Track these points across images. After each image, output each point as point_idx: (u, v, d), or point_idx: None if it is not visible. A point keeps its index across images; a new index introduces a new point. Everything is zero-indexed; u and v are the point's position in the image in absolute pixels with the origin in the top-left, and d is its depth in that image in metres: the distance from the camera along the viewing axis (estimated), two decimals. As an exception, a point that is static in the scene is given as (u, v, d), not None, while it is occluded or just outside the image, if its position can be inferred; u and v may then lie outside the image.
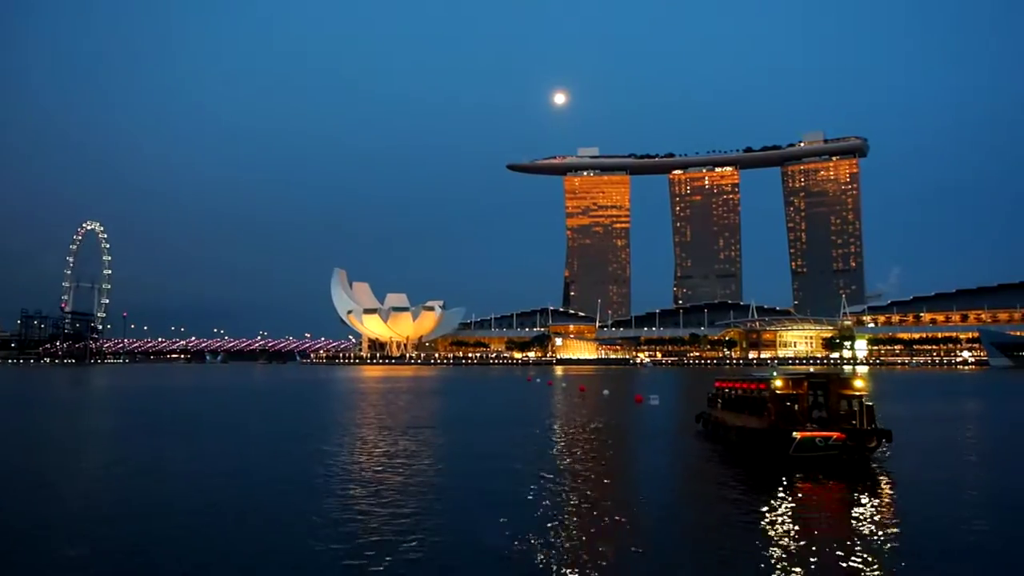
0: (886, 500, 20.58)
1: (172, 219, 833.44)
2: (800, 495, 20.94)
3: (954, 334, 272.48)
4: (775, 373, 28.55)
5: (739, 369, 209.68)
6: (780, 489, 21.49)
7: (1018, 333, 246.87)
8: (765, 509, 18.97)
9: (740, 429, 29.63)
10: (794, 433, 25.04)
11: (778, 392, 27.02)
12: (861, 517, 18.07)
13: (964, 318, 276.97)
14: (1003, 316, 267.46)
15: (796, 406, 26.99)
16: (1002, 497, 21.10)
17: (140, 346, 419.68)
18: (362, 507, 18.97)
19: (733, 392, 34.01)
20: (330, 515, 18.17)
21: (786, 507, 19.24)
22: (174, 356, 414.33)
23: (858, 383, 27.16)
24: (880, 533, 16.39)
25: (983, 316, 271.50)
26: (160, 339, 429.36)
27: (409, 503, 19.50)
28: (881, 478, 23.89)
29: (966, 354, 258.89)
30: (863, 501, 20.12)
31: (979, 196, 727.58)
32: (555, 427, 40.08)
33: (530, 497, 20.25)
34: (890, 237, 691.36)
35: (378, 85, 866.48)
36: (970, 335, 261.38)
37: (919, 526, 17.34)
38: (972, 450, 31.75)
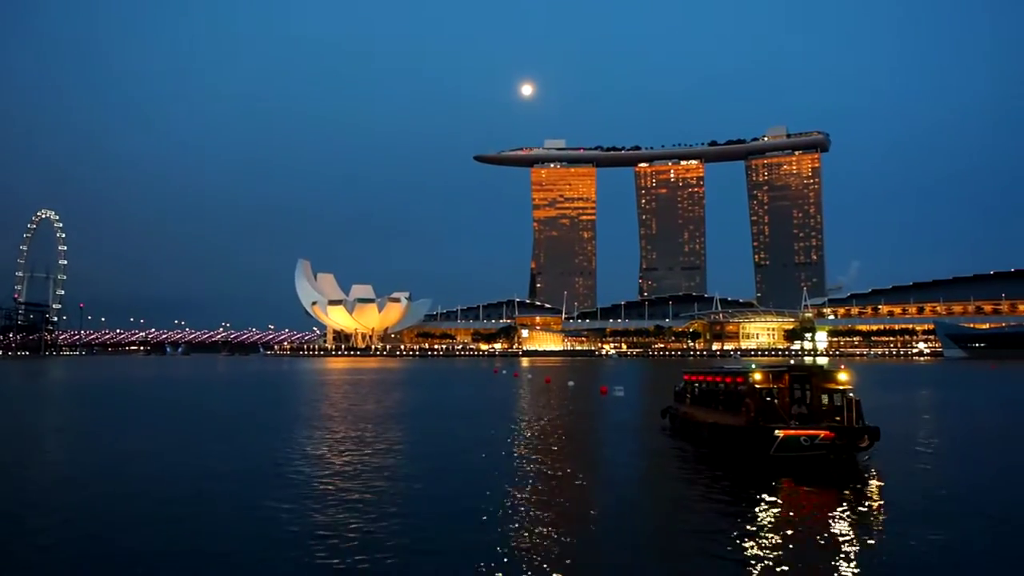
0: (882, 505, 18.56)
1: (130, 207, 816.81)
2: (784, 500, 18.89)
3: (910, 326, 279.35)
4: (753, 365, 26.49)
5: (703, 361, 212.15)
6: (761, 493, 19.46)
7: (971, 325, 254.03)
8: (744, 516, 17.10)
9: (714, 426, 27.13)
10: (776, 431, 22.82)
11: (757, 386, 24.88)
12: (855, 525, 16.27)
13: (920, 310, 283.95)
14: (957, 308, 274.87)
15: (777, 401, 24.78)
16: (996, 497, 19.92)
17: (97, 338, 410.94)
18: (323, 497, 18.67)
19: (704, 386, 31.54)
20: (293, 504, 17.93)
21: (768, 514, 17.37)
22: (133, 348, 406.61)
23: (842, 376, 24.96)
24: (879, 545, 14.82)
25: (938, 308, 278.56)
26: (118, 331, 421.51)
27: (369, 495, 19.12)
28: (871, 479, 21.79)
29: (922, 345, 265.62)
30: (856, 506, 18.25)
31: (935, 192, 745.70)
32: (520, 420, 39.86)
33: (488, 496, 19.40)
34: (850, 231, 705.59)
35: (344, 75, 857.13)
36: (926, 327, 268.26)
37: (922, 537, 15.42)
38: (955, 445, 30.79)
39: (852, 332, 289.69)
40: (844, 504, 18.47)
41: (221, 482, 21.65)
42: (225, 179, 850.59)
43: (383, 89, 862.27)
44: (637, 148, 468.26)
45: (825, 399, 24.99)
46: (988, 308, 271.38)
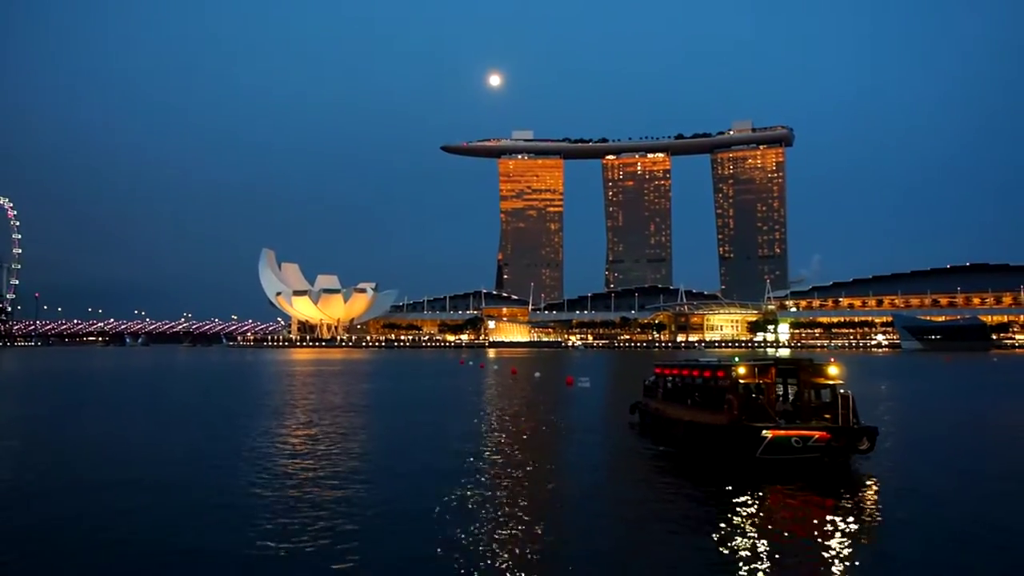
0: (888, 516, 16.50)
1: (89, 194, 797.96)
2: (774, 510, 16.90)
3: (870, 318, 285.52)
4: (737, 359, 24.21)
5: (668, 352, 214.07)
6: (747, 502, 17.49)
7: (928, 317, 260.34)
8: (727, 528, 15.18)
9: (690, 425, 24.78)
10: (764, 432, 20.58)
11: (741, 381, 22.63)
12: (856, 538, 14.45)
13: (879, 303, 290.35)
14: (915, 301, 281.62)
15: (763, 398, 22.68)
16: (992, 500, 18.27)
17: (54, 328, 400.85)
18: (284, 488, 18.30)
19: (679, 380, 28.98)
20: (255, 494, 17.55)
21: (755, 525, 15.44)
22: (91, 339, 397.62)
23: (832, 370, 22.63)
24: (886, 566, 13.10)
25: (896, 301, 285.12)
26: (76, 321, 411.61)
27: (324, 488, 18.77)
28: (869, 483, 19.83)
29: (880, 337, 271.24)
30: (859, 517, 16.22)
31: (895, 187, 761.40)
32: (484, 412, 39.60)
33: (442, 497, 18.21)
34: (812, 225, 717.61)
35: (312, 64, 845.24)
36: (884, 319, 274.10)
37: (932, 552, 13.77)
38: (944, 441, 29.15)
39: (813, 324, 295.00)
40: (843, 514, 16.48)
41: (178, 475, 21.12)
42: (186, 166, 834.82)
43: (350, 77, 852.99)
44: (604, 140, 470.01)
45: (812, 395, 23.02)
46: (944, 301, 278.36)
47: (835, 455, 20.92)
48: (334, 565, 13.03)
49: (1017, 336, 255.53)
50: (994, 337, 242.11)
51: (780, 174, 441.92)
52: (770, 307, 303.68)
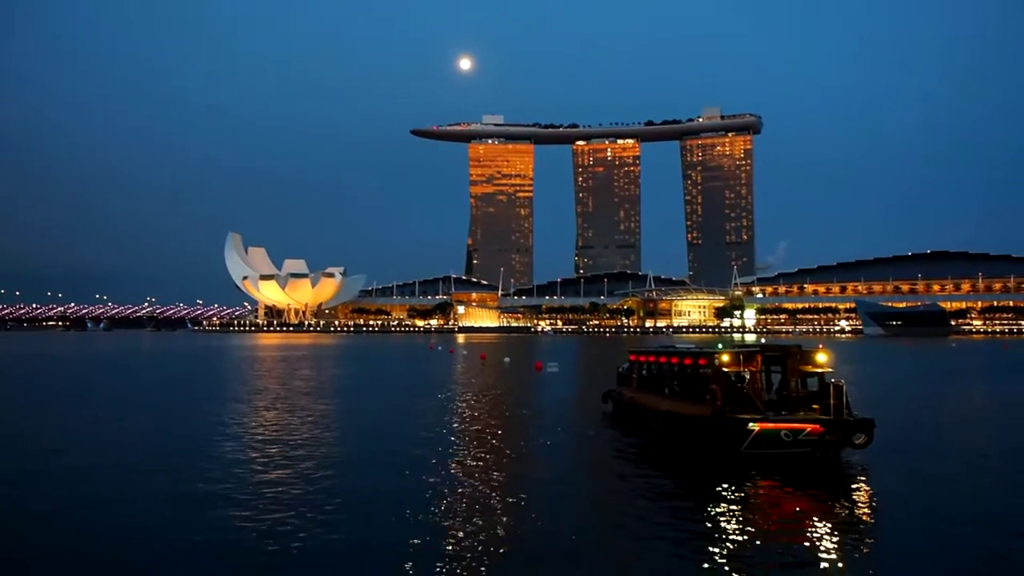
0: (885, 512, 15.62)
1: (47, 176, 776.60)
2: (757, 507, 15.85)
3: (833, 304, 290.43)
4: (720, 345, 22.74)
5: (637, 337, 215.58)
6: (728, 498, 16.45)
7: (890, 304, 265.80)
8: (712, 530, 14.12)
9: (669, 415, 23.50)
10: (751, 424, 19.43)
11: (725, 369, 21.32)
12: (854, 539, 13.62)
13: (843, 289, 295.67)
14: (877, 288, 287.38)
15: (748, 388, 21.31)
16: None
17: (12, 313, 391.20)
18: (246, 474, 17.92)
19: (656, 367, 27.16)
20: (216, 480, 17.13)
21: (744, 528, 14.23)
22: (51, 324, 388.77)
23: (821, 357, 21.49)
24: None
25: (859, 288, 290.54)
26: (35, 305, 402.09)
27: (285, 480, 18.43)
28: (863, 482, 18.40)
29: (843, 323, 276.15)
30: (852, 515, 15.30)
31: (859, 176, 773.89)
32: (451, 399, 39.39)
33: (401, 495, 17.26)
34: (779, 212, 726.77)
35: (279, 47, 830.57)
36: (848, 305, 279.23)
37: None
38: (929, 429, 28.19)
39: (779, 310, 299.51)
40: (835, 511, 15.53)
41: (138, 462, 20.61)
42: (149, 147, 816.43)
43: (319, 59, 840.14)
44: (575, 126, 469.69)
45: (799, 384, 21.79)
46: (905, 287, 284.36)
47: (828, 449, 19.72)
48: (294, 548, 12.78)
49: (975, 322, 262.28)
50: (953, 323, 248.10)
51: (748, 161, 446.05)
52: (737, 293, 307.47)
